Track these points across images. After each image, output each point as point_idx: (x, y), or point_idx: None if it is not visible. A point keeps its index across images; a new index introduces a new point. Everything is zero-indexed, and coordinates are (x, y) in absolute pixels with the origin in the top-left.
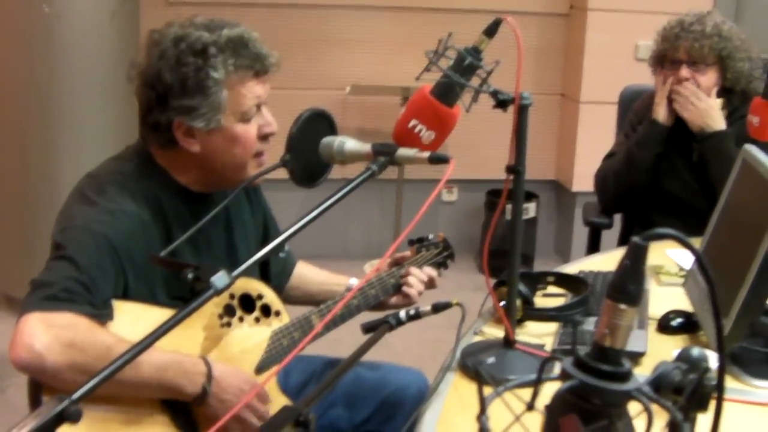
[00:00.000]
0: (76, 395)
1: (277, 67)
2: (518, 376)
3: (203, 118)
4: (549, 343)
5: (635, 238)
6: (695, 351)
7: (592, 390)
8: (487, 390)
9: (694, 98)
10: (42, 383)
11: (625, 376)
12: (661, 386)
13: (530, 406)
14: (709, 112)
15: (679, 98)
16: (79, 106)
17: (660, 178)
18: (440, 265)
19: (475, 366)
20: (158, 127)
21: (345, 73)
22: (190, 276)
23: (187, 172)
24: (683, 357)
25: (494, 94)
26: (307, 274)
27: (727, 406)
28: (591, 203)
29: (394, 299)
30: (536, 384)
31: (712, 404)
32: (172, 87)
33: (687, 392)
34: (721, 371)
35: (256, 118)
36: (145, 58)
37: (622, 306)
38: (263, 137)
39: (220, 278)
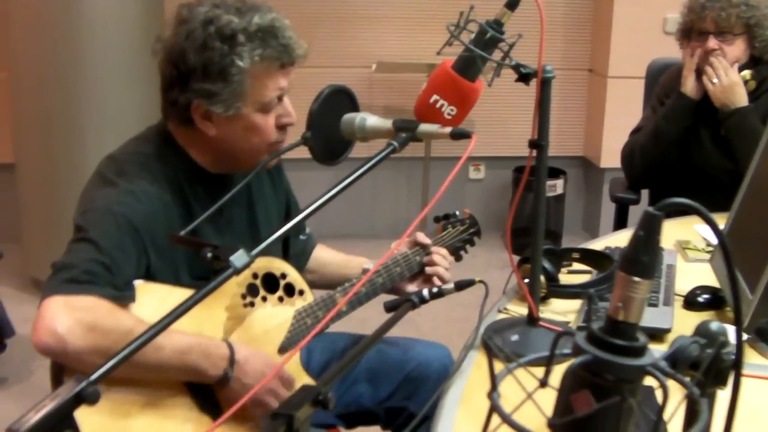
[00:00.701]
0: (94, 376)
1: (304, 59)
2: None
3: (223, 104)
4: (573, 320)
5: (649, 208)
6: (714, 325)
7: (605, 365)
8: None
9: (721, 72)
10: (64, 366)
11: (640, 351)
12: (677, 361)
13: (543, 383)
14: (732, 88)
15: (708, 70)
16: (103, 87)
17: (687, 151)
18: (467, 241)
19: (486, 341)
20: (177, 105)
21: (371, 51)
22: (209, 255)
23: (204, 153)
24: (701, 331)
25: (516, 67)
26: (324, 257)
27: (753, 383)
28: (618, 179)
29: (411, 286)
30: (549, 360)
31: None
32: (195, 69)
33: (703, 367)
34: (739, 346)
35: (276, 108)
36: (172, 35)
37: (636, 278)
38: (281, 127)
39: (239, 257)
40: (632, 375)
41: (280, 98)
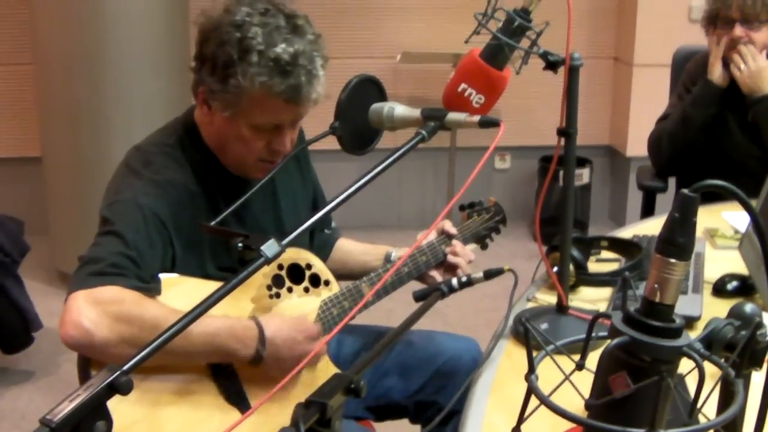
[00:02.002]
0: (127, 366)
1: (314, 104)
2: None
3: (220, 103)
4: (603, 309)
5: (684, 190)
6: (748, 306)
7: (642, 346)
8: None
9: (749, 58)
10: (92, 359)
11: (676, 332)
12: (713, 342)
13: (580, 366)
14: (761, 73)
15: (735, 58)
16: (128, 79)
17: (715, 138)
18: (492, 229)
19: (524, 325)
20: (194, 81)
21: (396, 41)
22: (239, 245)
23: (211, 136)
24: (736, 313)
25: (544, 55)
26: (346, 247)
27: None
28: (645, 167)
29: (437, 275)
30: (586, 342)
31: None
32: (207, 59)
33: (739, 348)
34: None
35: (271, 132)
36: (212, 18)
37: (672, 260)
38: (272, 151)
39: (270, 247)
40: (669, 356)
41: (279, 128)
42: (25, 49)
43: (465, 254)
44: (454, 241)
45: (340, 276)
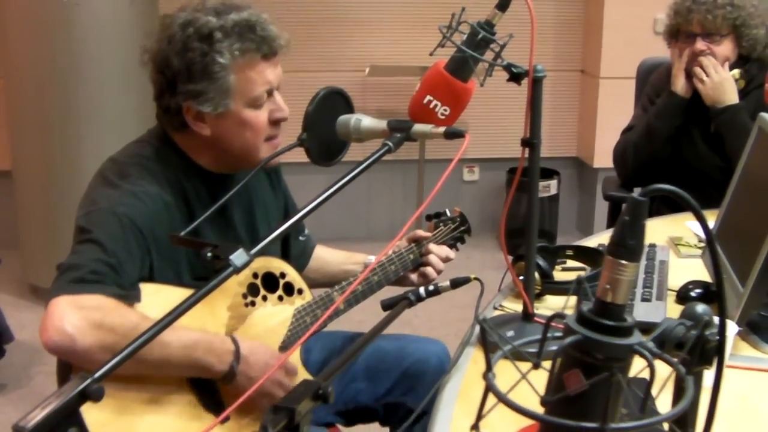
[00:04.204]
0: (98, 373)
1: (287, 49)
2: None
3: (211, 102)
4: None
5: (633, 194)
6: (699, 307)
7: (595, 344)
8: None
9: (711, 70)
10: (73, 365)
11: (628, 331)
12: (665, 342)
13: (536, 365)
14: (723, 84)
15: (697, 70)
16: (100, 93)
17: (679, 149)
18: (457, 239)
19: (480, 323)
20: (170, 110)
21: (364, 55)
22: (209, 255)
23: (203, 153)
24: (688, 314)
25: (508, 67)
26: (325, 255)
27: (744, 374)
28: (611, 177)
29: (414, 276)
30: (542, 342)
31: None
32: (180, 72)
33: (688, 346)
34: (722, 325)
35: (267, 104)
36: (155, 43)
37: (623, 261)
38: (274, 122)
39: (238, 256)
40: (621, 353)
41: (270, 93)
42: None
43: (440, 251)
44: (431, 247)
45: (319, 284)
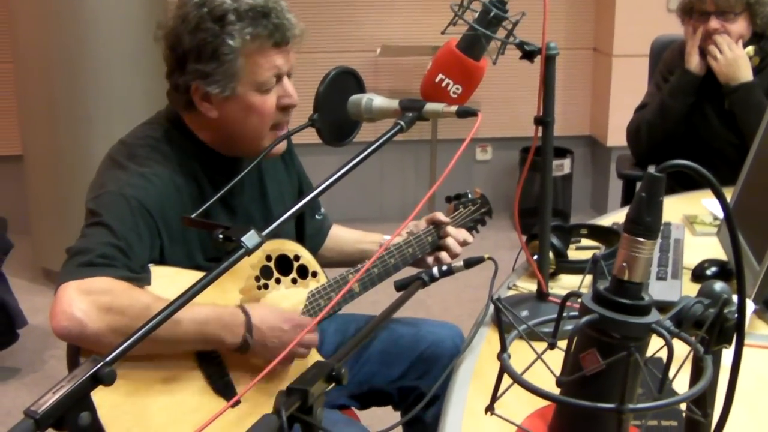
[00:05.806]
0: (110, 357)
1: (300, 39)
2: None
3: (218, 84)
4: None
5: (650, 170)
6: (717, 285)
7: (611, 323)
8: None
9: (725, 47)
10: (83, 349)
11: (645, 310)
12: (682, 320)
13: (552, 345)
14: (737, 62)
15: (711, 48)
16: (108, 77)
17: (693, 126)
18: (478, 221)
19: (495, 303)
20: (178, 89)
21: (375, 35)
22: (220, 236)
23: (211, 135)
24: (705, 292)
25: (520, 45)
26: (340, 234)
27: (760, 352)
28: (625, 156)
29: (430, 260)
30: (557, 322)
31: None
32: (190, 51)
33: (707, 325)
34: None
35: (275, 89)
36: (170, 20)
37: (640, 238)
38: (282, 109)
39: (250, 237)
40: (638, 332)
41: (279, 78)
42: (5, 48)
43: (457, 235)
44: (449, 230)
45: (335, 263)
